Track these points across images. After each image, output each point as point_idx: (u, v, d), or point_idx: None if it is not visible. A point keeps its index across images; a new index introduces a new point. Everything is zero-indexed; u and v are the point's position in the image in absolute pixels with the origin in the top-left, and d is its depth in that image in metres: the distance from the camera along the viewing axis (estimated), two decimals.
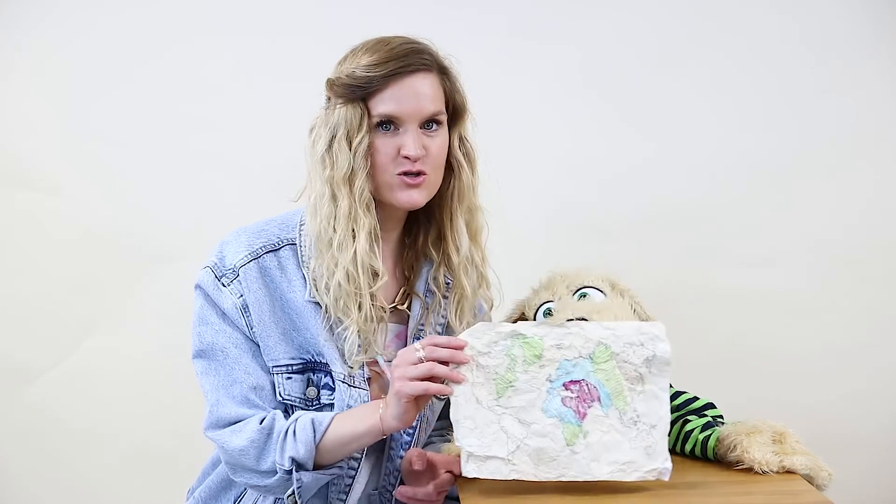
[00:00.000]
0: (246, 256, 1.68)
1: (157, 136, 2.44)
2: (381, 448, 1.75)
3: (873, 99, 2.42)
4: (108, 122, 2.44)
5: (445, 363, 1.53)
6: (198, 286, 1.70)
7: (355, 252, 1.63)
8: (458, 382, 1.52)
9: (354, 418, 1.62)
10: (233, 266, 1.67)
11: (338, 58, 1.69)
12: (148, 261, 2.46)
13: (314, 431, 1.61)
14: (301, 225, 1.71)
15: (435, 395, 1.60)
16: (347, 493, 1.71)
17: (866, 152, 2.43)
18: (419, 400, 1.56)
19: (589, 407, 1.52)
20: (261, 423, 1.64)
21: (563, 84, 2.44)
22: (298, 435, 1.61)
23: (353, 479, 1.71)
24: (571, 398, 1.53)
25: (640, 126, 2.45)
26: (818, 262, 2.45)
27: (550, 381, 1.53)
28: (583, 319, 1.62)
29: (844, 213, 2.44)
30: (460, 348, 1.53)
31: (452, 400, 1.53)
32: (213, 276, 1.68)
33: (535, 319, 1.75)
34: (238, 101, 2.43)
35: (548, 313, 1.74)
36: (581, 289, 1.72)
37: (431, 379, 1.53)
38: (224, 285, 1.67)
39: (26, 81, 2.43)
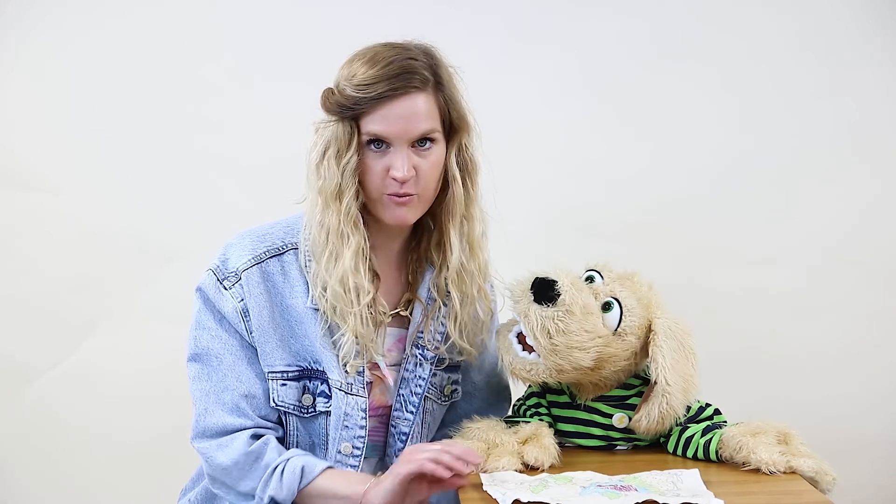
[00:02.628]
0: (249, 261, 1.67)
1: (157, 137, 2.44)
2: (380, 457, 1.75)
3: (873, 99, 2.42)
4: (108, 122, 2.43)
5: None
6: (199, 289, 1.69)
7: (343, 270, 1.62)
8: (461, 474, 1.50)
9: (343, 479, 1.61)
10: (235, 270, 1.67)
11: (338, 58, 1.67)
12: (148, 261, 2.45)
13: (301, 479, 1.61)
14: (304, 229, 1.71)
15: (430, 481, 1.55)
16: None
17: (867, 152, 2.43)
18: (411, 489, 1.54)
19: (627, 492, 1.49)
20: (250, 444, 1.64)
21: (562, 86, 2.44)
22: (285, 477, 1.61)
23: None
24: (606, 485, 1.51)
25: (639, 127, 2.45)
26: (819, 262, 2.45)
27: (584, 487, 1.51)
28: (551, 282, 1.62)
29: (845, 213, 2.44)
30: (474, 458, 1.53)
31: (488, 488, 1.51)
32: (216, 278, 1.68)
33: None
34: (238, 101, 2.43)
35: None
36: (613, 299, 1.68)
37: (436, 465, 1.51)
38: (226, 288, 1.67)
39: (27, 81, 2.43)
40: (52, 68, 2.42)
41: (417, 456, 1.52)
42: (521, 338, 1.68)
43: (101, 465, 2.48)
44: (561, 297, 1.63)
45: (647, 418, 1.65)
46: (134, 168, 2.45)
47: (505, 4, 2.42)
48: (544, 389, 1.77)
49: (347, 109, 1.60)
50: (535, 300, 1.64)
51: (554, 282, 1.64)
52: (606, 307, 1.67)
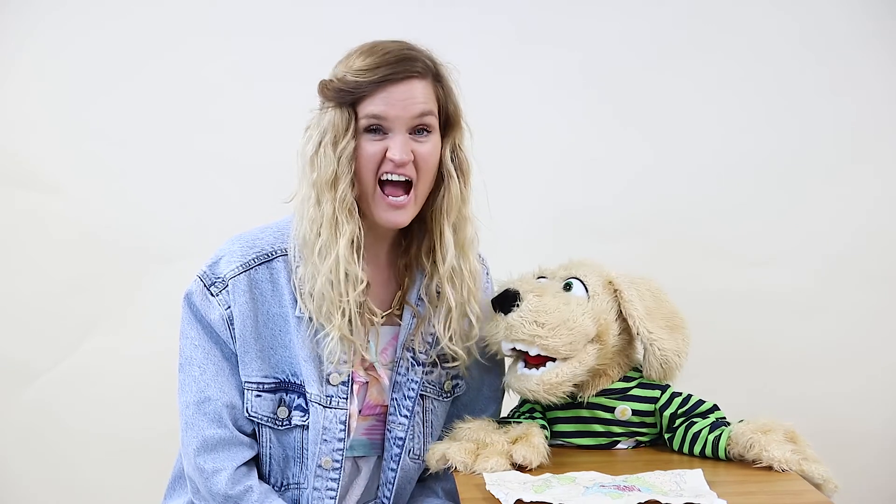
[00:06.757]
0: (238, 268, 1.67)
1: (157, 136, 2.44)
2: (379, 455, 1.75)
3: (875, 100, 2.42)
4: (108, 122, 2.43)
5: None
6: (186, 296, 1.69)
7: (336, 258, 1.60)
8: None
9: None
10: (223, 276, 1.67)
11: (338, 58, 1.68)
12: (148, 261, 2.46)
13: None
14: None
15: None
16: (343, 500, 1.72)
17: (868, 152, 2.44)
18: None
19: (630, 492, 1.48)
20: (231, 486, 1.66)
21: (564, 85, 2.44)
22: None
23: (348, 487, 1.72)
24: (609, 485, 1.50)
25: (640, 128, 2.45)
26: (821, 261, 2.45)
27: (587, 487, 1.51)
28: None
29: (847, 212, 2.44)
30: None
31: (491, 488, 1.51)
32: (203, 285, 1.68)
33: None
34: (238, 101, 2.43)
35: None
36: (569, 279, 1.73)
37: None
38: (213, 295, 1.67)
39: (27, 81, 2.43)
40: (52, 68, 2.42)
41: None
42: (526, 358, 1.70)
43: (101, 465, 2.48)
44: (520, 295, 1.68)
45: (652, 372, 1.73)
46: (134, 168, 2.45)
47: (505, 4, 2.42)
48: None
49: (347, 94, 1.60)
50: (504, 312, 1.68)
51: (509, 290, 1.69)
52: (567, 287, 1.73)
